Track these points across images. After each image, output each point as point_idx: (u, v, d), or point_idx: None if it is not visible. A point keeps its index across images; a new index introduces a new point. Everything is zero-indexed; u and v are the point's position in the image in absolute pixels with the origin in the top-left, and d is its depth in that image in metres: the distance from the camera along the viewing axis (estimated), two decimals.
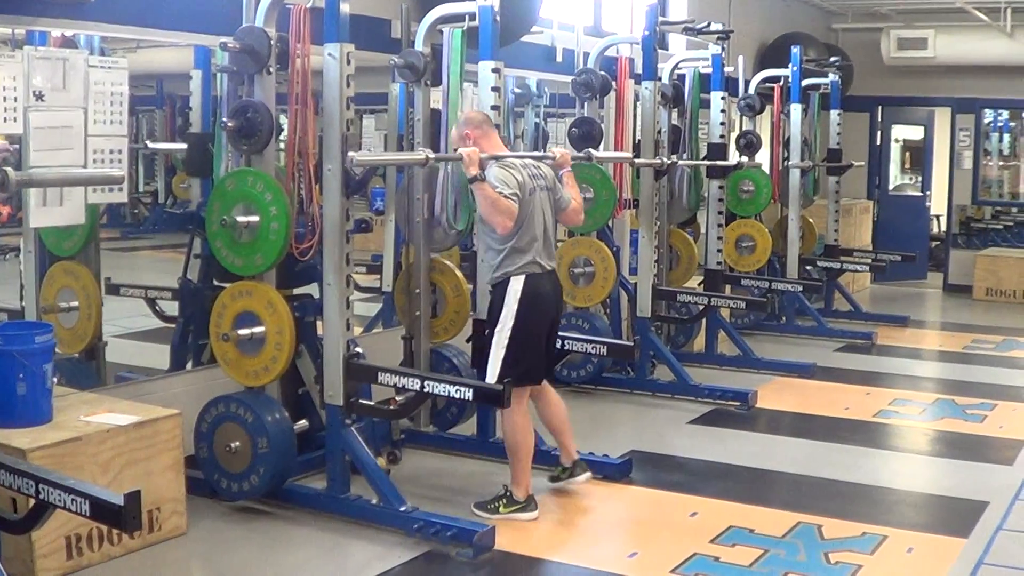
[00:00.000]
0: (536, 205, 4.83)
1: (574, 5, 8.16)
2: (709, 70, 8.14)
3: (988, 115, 12.52)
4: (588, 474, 5.23)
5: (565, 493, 5.19)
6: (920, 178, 13.81)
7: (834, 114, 10.07)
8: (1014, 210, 12.76)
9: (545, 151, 5.53)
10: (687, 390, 7.08)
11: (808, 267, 9.89)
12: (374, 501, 4.69)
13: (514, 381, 4.76)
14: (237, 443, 4.71)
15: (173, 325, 5.62)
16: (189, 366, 5.49)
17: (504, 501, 4.86)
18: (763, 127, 9.67)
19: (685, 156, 8.27)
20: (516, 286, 4.80)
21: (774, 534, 4.76)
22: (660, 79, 7.48)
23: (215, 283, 5.23)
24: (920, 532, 4.89)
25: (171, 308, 5.68)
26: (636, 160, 7.21)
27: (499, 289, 4.86)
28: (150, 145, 5.01)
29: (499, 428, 5.19)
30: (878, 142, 13.34)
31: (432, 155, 4.85)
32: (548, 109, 8.47)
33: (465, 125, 4.93)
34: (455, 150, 4.85)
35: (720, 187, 8.25)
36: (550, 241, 4.95)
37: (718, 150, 8.27)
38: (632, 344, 6.49)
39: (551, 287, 4.96)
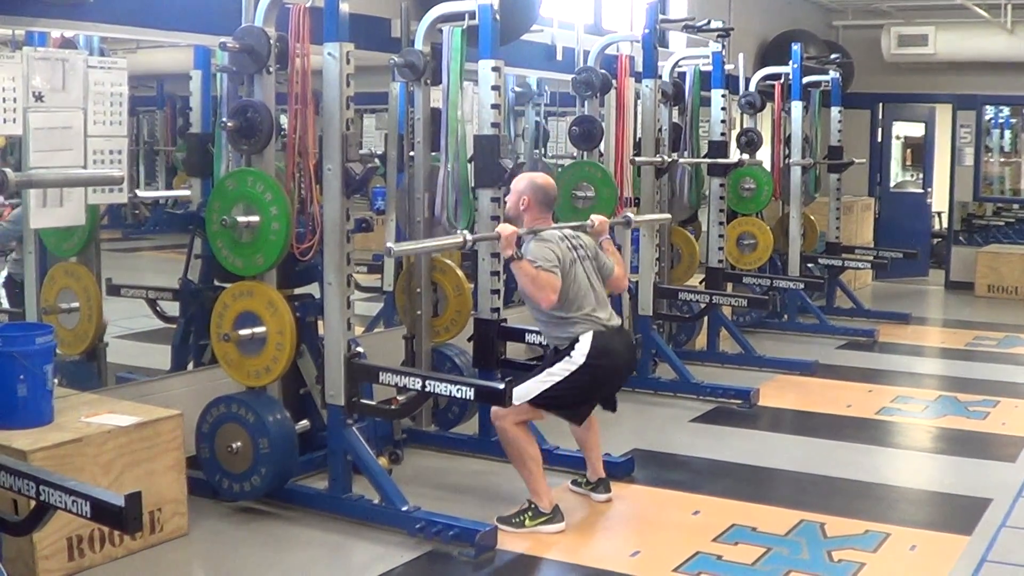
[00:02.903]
0: (579, 274, 4.75)
1: (574, 3, 8.15)
2: (709, 68, 8.13)
3: (989, 111, 12.49)
4: (609, 495, 5.13)
5: (568, 492, 5.17)
6: (921, 175, 13.81)
7: (835, 111, 10.07)
8: (1015, 206, 12.74)
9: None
10: (689, 388, 7.08)
11: (810, 264, 9.88)
12: (376, 501, 4.69)
13: (540, 405, 4.71)
14: (238, 443, 4.70)
15: (174, 326, 5.62)
16: (190, 367, 5.48)
17: (530, 514, 4.71)
18: (764, 125, 9.67)
19: (686, 154, 8.26)
20: (584, 343, 4.68)
21: (777, 532, 4.76)
22: (660, 77, 7.47)
23: (216, 283, 5.22)
24: (923, 529, 4.88)
25: (172, 309, 5.68)
26: (636, 158, 7.21)
27: (567, 344, 4.75)
28: None
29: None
30: (879, 139, 13.33)
31: (471, 237, 4.64)
32: (548, 108, 8.47)
33: (528, 190, 4.82)
34: (505, 209, 4.75)
35: (721, 185, 8.24)
36: (605, 303, 4.85)
37: (719, 148, 8.27)
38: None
39: (623, 346, 4.85)
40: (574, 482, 5.21)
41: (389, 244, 4.47)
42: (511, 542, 4.56)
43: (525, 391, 4.69)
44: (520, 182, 4.90)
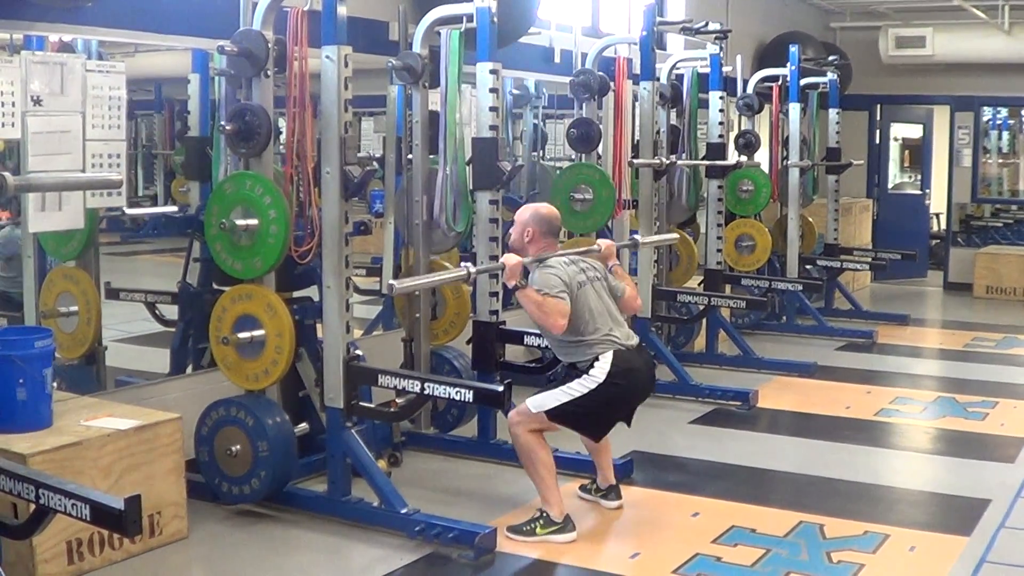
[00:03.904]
0: (590, 295, 4.71)
1: (572, 6, 8.15)
2: (707, 70, 8.14)
3: (987, 113, 12.52)
4: (620, 502, 5.09)
5: (567, 495, 5.16)
6: (919, 176, 13.83)
7: (833, 113, 10.07)
8: (1014, 208, 12.78)
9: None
10: (688, 390, 7.08)
11: (808, 266, 9.88)
12: (375, 504, 4.69)
13: (557, 419, 4.65)
14: (238, 447, 4.70)
15: (173, 329, 5.62)
16: (189, 370, 5.48)
17: (541, 522, 4.65)
18: (762, 126, 9.67)
19: (684, 156, 8.26)
20: (605, 362, 4.63)
21: (776, 534, 4.76)
22: (658, 79, 7.48)
23: (215, 287, 5.23)
24: (922, 531, 4.88)
25: (171, 312, 5.68)
26: (634, 160, 7.22)
27: (587, 364, 4.69)
28: None
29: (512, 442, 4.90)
30: (877, 141, 13.34)
31: (475, 269, 4.67)
32: (547, 110, 8.49)
33: (533, 221, 4.81)
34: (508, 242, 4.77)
35: (719, 187, 8.25)
36: (621, 322, 4.82)
37: (717, 150, 8.27)
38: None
39: (643, 364, 4.82)
40: (583, 488, 5.17)
41: (391, 281, 4.46)
42: (510, 545, 4.56)
43: (541, 401, 4.66)
44: (524, 213, 4.89)
